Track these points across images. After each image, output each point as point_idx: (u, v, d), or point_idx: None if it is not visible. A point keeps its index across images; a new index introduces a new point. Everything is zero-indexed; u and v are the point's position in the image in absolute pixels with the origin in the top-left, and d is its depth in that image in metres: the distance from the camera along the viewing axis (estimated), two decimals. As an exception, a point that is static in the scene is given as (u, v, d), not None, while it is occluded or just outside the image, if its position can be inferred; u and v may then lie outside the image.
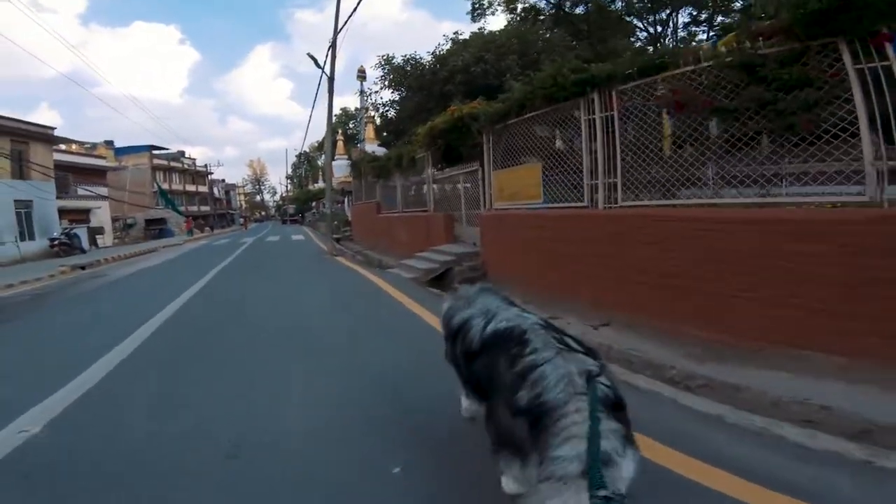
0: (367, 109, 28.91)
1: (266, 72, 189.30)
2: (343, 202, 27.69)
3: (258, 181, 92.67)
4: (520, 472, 1.55)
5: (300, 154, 59.57)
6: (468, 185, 8.43)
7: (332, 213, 16.51)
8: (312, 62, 13.91)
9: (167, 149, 48.48)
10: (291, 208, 56.00)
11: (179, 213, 41.39)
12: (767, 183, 3.92)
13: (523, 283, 6.20)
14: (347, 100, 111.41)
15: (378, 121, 27.12)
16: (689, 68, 4.22)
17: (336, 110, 29.93)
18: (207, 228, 46.05)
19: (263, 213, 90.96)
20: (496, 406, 1.69)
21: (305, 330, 5.28)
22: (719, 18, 20.93)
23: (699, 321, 3.90)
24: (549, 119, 5.92)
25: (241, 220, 63.94)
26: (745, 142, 3.84)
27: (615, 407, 1.45)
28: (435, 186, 9.96)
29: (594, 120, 5.25)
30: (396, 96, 21.73)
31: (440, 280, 7.31)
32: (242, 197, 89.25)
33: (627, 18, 20.91)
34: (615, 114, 4.98)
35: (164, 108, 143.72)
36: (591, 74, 5.15)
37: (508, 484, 1.79)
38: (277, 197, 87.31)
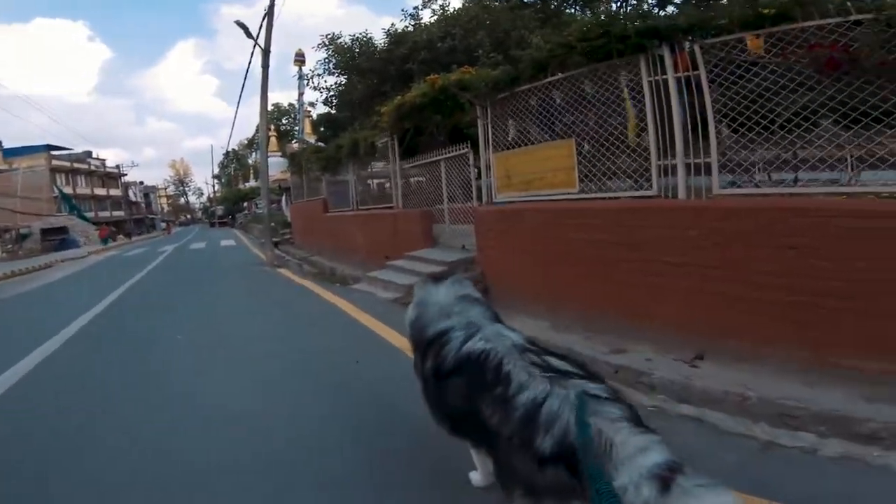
0: (303, 101, 26.26)
1: (189, 69, 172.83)
2: (279, 201, 25.02)
3: (182, 182, 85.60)
4: None
5: (228, 152, 54.92)
6: (424, 175, 6.66)
7: (269, 215, 13.99)
8: (243, 31, 11.43)
9: (70, 149, 42.70)
10: (220, 210, 51.27)
11: (86, 219, 36.39)
12: None
13: (553, 302, 4.54)
14: (279, 96, 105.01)
15: (317, 112, 24.62)
16: (831, 20, 3.00)
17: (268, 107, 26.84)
18: (122, 236, 40.82)
19: (189, 216, 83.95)
20: (512, 462, 1.42)
21: (252, 430, 2.81)
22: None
23: (870, 350, 2.77)
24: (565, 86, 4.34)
25: (164, 224, 58.04)
26: None
27: (639, 423, 1.29)
28: (402, 178, 8.10)
29: (657, 83, 3.79)
30: (343, 80, 19.20)
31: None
32: (164, 200, 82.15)
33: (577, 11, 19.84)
34: (702, 74, 3.49)
35: (69, 108, 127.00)
36: (667, 23, 3.71)
37: None
38: (204, 198, 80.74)
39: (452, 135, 7.97)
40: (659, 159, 3.81)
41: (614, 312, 4.02)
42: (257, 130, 15.96)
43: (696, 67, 3.58)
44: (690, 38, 3.50)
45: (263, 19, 11.51)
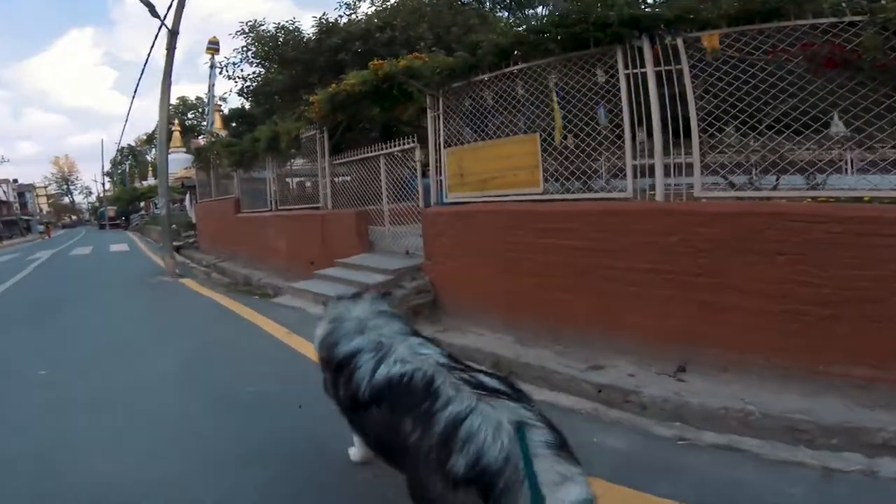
0: (214, 93, 24.16)
1: (83, 59, 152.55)
2: (183, 200, 22.60)
3: (66, 180, 75.93)
4: None
5: (122, 147, 49.32)
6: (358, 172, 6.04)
7: (169, 215, 12.16)
8: (147, 10, 9.81)
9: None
10: (112, 210, 45.72)
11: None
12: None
13: (515, 312, 4.12)
14: (186, 89, 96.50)
15: (229, 106, 22.63)
16: (825, 20, 2.85)
17: (173, 100, 24.13)
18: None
19: (74, 217, 74.44)
20: (425, 481, 1.33)
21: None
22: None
23: (859, 357, 2.68)
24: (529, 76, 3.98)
25: (42, 227, 50.61)
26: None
27: (565, 451, 1.25)
28: (333, 176, 7.32)
29: (635, 76, 3.50)
30: (262, 70, 17.56)
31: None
32: (45, 199, 72.30)
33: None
34: (685, 68, 3.26)
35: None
36: (648, 12, 3.46)
37: None
38: (93, 198, 71.93)
39: (385, 131, 7.38)
40: (634, 158, 3.51)
41: (585, 323, 3.67)
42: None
43: (668, 63, 3.35)
44: (672, 30, 3.25)
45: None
